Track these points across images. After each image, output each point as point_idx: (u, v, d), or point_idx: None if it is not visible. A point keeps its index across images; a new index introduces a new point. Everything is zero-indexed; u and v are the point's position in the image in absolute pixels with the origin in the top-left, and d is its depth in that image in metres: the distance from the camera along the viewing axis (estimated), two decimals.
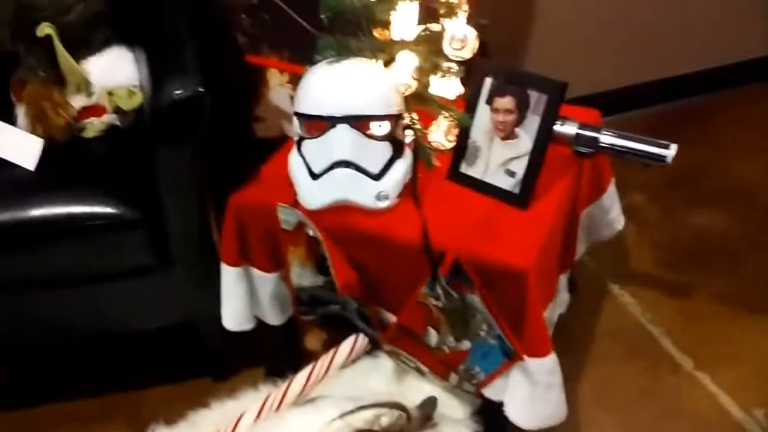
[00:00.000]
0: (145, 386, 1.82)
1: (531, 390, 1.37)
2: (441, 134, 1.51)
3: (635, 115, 2.50)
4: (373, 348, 1.54)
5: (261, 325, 1.63)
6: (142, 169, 1.54)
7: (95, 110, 1.60)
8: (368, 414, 1.23)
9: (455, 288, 1.35)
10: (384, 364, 1.53)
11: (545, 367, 1.35)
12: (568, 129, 1.46)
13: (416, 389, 1.46)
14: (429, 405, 1.34)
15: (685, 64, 2.60)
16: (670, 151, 1.43)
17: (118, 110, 1.60)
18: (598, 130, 1.47)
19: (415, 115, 1.50)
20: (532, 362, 1.34)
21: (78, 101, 1.58)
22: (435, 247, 1.35)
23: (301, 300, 1.55)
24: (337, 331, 1.55)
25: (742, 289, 1.98)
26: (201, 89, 1.41)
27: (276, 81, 1.87)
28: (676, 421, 1.68)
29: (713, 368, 1.78)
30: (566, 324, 1.62)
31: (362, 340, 1.53)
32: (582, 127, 1.47)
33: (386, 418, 1.22)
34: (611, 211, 1.76)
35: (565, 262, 1.61)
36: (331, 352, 1.50)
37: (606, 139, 1.47)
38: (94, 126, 1.60)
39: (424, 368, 1.49)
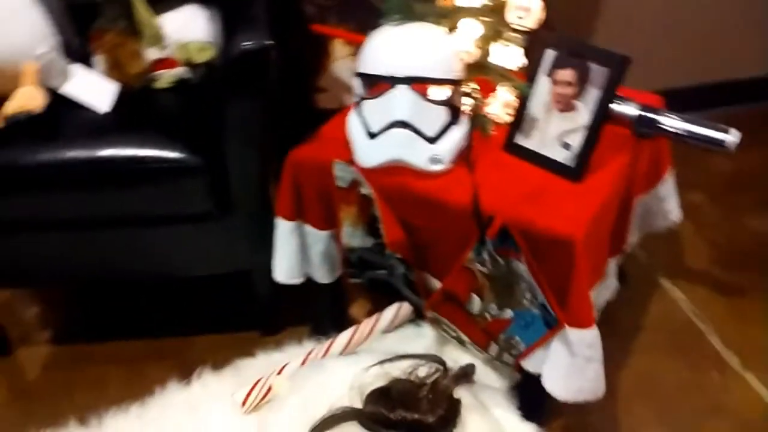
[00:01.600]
0: (195, 332, 1.88)
1: (570, 361, 1.37)
2: (499, 106, 1.53)
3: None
4: (417, 317, 1.56)
5: (309, 286, 1.66)
6: (208, 119, 1.59)
7: (167, 63, 1.66)
8: (406, 364, 1.24)
9: (502, 254, 1.36)
10: (426, 332, 1.54)
11: (586, 339, 1.34)
12: (628, 108, 1.45)
13: (456, 359, 1.47)
14: (468, 367, 1.35)
15: (753, 66, 2.55)
16: (731, 137, 1.40)
17: (189, 64, 1.66)
18: (657, 111, 1.46)
19: (474, 85, 1.52)
20: (573, 333, 1.34)
21: (152, 53, 1.65)
22: (484, 211, 1.36)
23: (350, 261, 1.59)
24: (382, 297, 1.57)
25: None
26: (268, 42, 1.46)
27: (340, 53, 1.90)
28: (718, 418, 1.65)
29: (760, 368, 1.75)
30: (614, 313, 1.61)
31: (406, 307, 1.55)
32: (641, 107, 1.45)
33: (424, 369, 1.23)
34: (667, 201, 1.74)
35: (615, 246, 1.60)
36: (375, 316, 1.53)
37: (665, 120, 1.45)
38: (165, 77, 1.67)
39: (466, 338, 1.50)
